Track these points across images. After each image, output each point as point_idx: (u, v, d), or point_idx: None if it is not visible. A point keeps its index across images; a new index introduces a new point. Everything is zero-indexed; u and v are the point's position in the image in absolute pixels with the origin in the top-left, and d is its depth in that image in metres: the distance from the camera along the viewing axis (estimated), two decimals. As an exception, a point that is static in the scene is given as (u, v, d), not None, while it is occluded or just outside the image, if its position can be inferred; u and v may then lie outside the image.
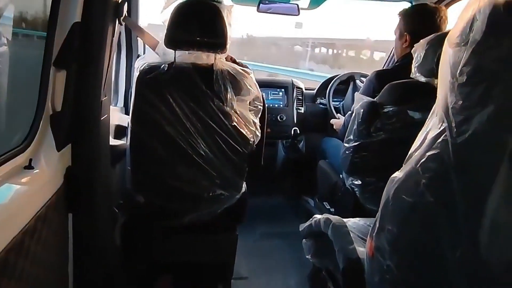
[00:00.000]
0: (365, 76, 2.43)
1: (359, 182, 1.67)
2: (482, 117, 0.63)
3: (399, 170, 0.84)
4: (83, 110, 1.24)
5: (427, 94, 1.11)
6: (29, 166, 1.04)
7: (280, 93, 2.55)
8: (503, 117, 0.63)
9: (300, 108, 2.55)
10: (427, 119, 0.82)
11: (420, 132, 0.83)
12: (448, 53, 0.72)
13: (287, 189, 2.78)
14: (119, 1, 1.30)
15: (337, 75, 2.56)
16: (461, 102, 0.67)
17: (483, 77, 0.64)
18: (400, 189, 0.81)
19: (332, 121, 2.17)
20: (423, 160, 0.74)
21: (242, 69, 1.46)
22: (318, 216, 1.33)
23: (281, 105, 2.53)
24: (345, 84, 2.56)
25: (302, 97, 2.57)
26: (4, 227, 0.86)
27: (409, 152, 0.83)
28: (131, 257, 1.64)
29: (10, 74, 1.18)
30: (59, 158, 1.17)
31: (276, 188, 2.78)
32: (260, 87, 2.46)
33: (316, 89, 2.65)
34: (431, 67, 1.39)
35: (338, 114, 2.34)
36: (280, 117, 2.47)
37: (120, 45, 2.14)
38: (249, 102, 1.50)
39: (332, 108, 2.42)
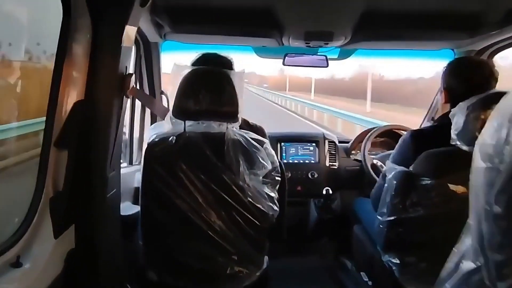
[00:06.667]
0: (405, 130, 2.21)
1: (397, 260, 1.45)
2: None
3: None
4: (87, 189, 1.18)
5: (470, 165, 0.93)
6: (16, 264, 0.96)
7: (311, 148, 2.38)
8: None
9: (333, 163, 2.36)
10: (462, 232, 0.64)
11: (454, 247, 0.65)
12: (478, 163, 0.55)
13: (322, 249, 2.55)
14: (125, 74, 1.25)
15: (374, 128, 2.37)
16: (500, 238, 0.49)
17: None
18: None
19: None
20: None
21: (255, 139, 1.35)
22: None
23: (312, 161, 2.36)
24: (385, 136, 2.36)
25: (335, 151, 2.39)
26: None
27: (439, 276, 0.65)
28: None
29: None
30: (58, 244, 1.10)
31: (309, 249, 2.56)
32: (289, 142, 2.39)
33: (351, 142, 2.46)
34: (473, 136, 1.19)
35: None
36: (311, 174, 2.30)
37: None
38: (266, 174, 1.37)
39: (368, 165, 2.19)
